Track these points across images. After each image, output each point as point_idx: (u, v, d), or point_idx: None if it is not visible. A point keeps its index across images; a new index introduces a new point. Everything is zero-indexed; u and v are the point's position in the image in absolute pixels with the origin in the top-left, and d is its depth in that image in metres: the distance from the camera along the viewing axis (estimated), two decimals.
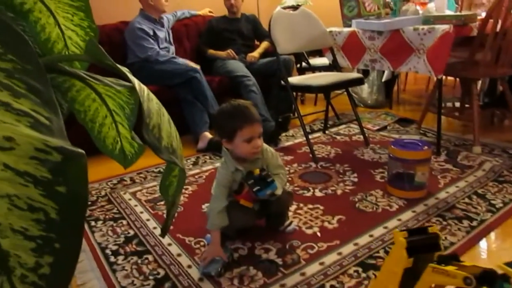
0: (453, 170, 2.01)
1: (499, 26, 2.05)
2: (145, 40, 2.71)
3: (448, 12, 2.34)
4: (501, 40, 2.09)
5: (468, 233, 1.46)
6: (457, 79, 3.38)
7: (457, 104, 2.92)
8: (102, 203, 1.88)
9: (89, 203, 1.87)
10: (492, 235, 1.47)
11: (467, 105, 2.67)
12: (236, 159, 1.38)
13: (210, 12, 3.34)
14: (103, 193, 1.99)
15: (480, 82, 2.58)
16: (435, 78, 2.14)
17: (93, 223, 1.68)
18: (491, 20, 2.02)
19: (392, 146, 1.76)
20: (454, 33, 1.98)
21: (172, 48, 2.93)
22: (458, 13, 2.24)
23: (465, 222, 1.53)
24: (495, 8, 1.98)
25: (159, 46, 2.78)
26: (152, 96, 0.86)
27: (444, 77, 2.55)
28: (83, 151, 0.48)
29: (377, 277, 1.19)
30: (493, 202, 1.68)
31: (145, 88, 0.84)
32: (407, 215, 1.60)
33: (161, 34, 2.84)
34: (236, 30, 3.17)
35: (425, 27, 2.04)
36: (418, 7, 2.31)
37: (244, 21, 3.24)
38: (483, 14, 2.10)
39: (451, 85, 3.84)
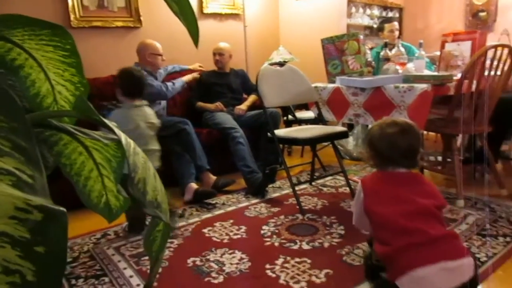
0: None
1: (474, 87, 2.16)
2: (148, 79, 2.66)
3: (427, 72, 2.47)
4: (476, 99, 2.20)
5: None
6: (438, 134, 3.49)
7: (439, 158, 2.99)
8: (84, 259, 1.81)
9: (71, 259, 1.79)
10: None
11: (449, 159, 2.73)
12: None
13: (200, 66, 3.46)
14: (85, 248, 1.92)
15: (460, 137, 2.66)
16: None
17: (74, 281, 1.61)
18: (466, 81, 2.14)
19: None
20: (433, 92, 2.08)
21: (164, 102, 2.99)
22: (436, 74, 2.37)
23: None
24: (469, 70, 2.10)
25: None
26: (138, 150, 0.87)
27: (425, 132, 2.63)
28: (64, 210, 0.47)
29: None
30: (477, 255, 1.67)
31: (131, 142, 0.85)
32: None
33: None
34: (225, 84, 3.28)
35: (405, 85, 2.15)
36: (398, 67, 2.44)
37: (233, 76, 3.36)
38: (459, 75, 2.22)
39: (432, 139, 3.95)
